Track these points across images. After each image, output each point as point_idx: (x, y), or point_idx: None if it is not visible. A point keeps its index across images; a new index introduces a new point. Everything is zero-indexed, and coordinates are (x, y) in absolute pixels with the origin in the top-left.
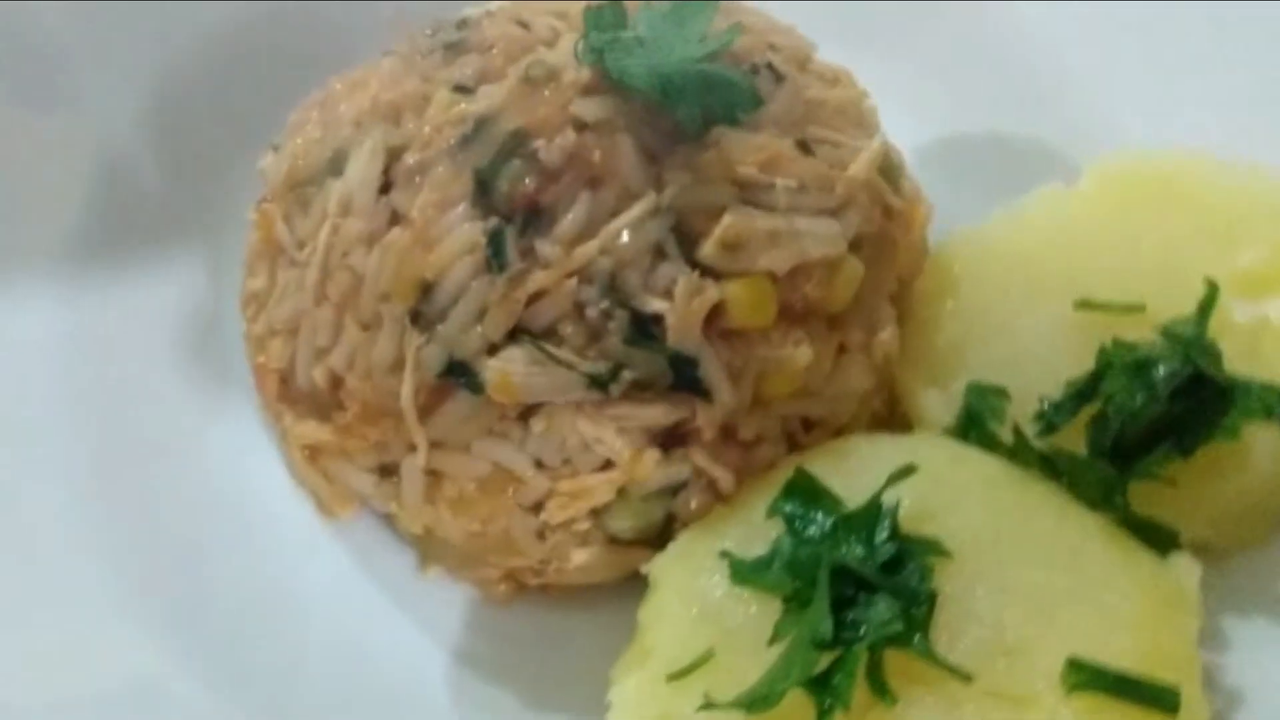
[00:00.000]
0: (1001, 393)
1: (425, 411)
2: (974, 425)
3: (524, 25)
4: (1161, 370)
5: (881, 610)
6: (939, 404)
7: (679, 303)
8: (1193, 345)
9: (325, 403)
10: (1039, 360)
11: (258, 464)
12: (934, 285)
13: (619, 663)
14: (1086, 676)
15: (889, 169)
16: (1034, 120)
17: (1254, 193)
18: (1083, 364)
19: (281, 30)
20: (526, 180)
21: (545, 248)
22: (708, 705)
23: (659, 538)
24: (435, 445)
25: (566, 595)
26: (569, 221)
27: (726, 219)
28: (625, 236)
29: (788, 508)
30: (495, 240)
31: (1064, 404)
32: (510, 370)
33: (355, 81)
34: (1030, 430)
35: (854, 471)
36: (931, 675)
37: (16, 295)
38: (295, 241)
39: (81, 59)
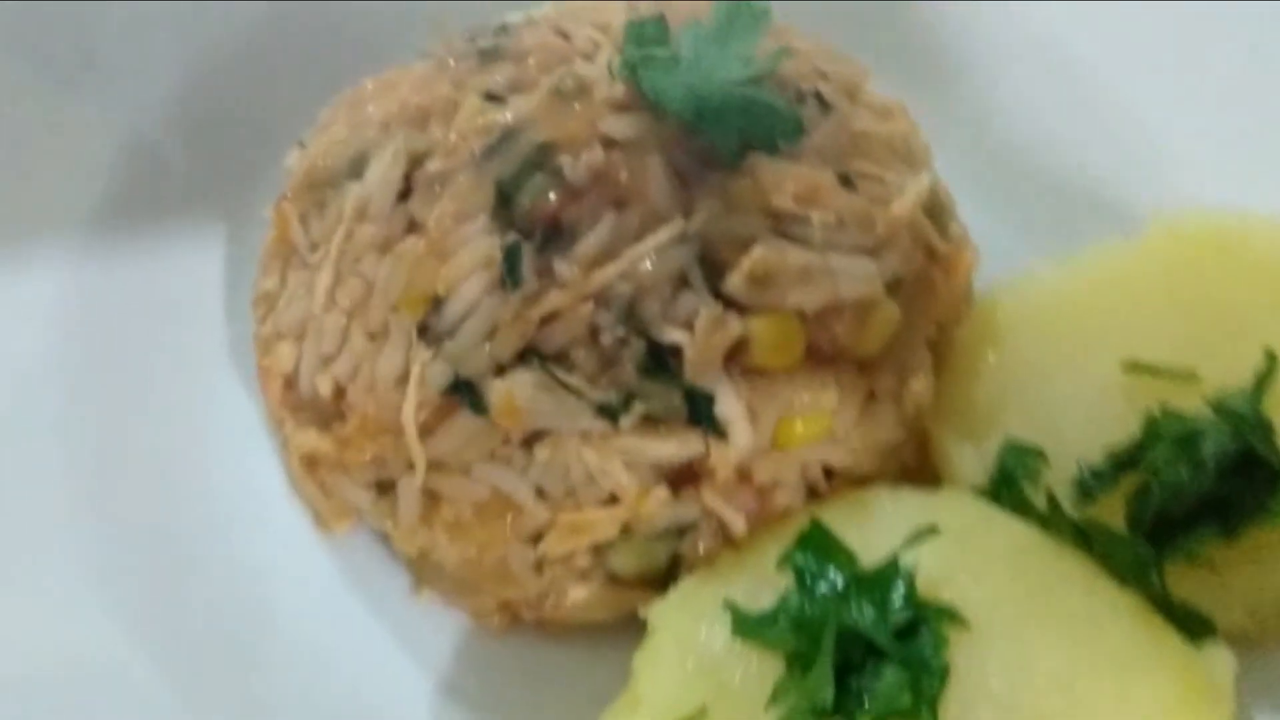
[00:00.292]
0: (1038, 454)
1: (426, 429)
2: (1006, 486)
3: (564, 35)
4: (1210, 444)
5: (889, 680)
6: (971, 460)
7: (699, 335)
8: (1246, 420)
9: (327, 412)
10: (1081, 423)
11: (258, 469)
12: (975, 334)
13: (609, 709)
14: None
15: (936, 209)
16: (1096, 167)
17: None
18: (1127, 430)
19: (324, 26)
20: (549, 196)
21: (563, 268)
22: None
23: (662, 580)
24: (434, 465)
25: (562, 632)
26: (590, 242)
27: (756, 251)
28: (648, 262)
29: (800, 560)
30: (511, 256)
31: (1104, 472)
32: (517, 393)
33: (386, 82)
34: (1066, 497)
35: (874, 526)
36: None
37: (22, 281)
38: (309, 243)
39: (116, 46)
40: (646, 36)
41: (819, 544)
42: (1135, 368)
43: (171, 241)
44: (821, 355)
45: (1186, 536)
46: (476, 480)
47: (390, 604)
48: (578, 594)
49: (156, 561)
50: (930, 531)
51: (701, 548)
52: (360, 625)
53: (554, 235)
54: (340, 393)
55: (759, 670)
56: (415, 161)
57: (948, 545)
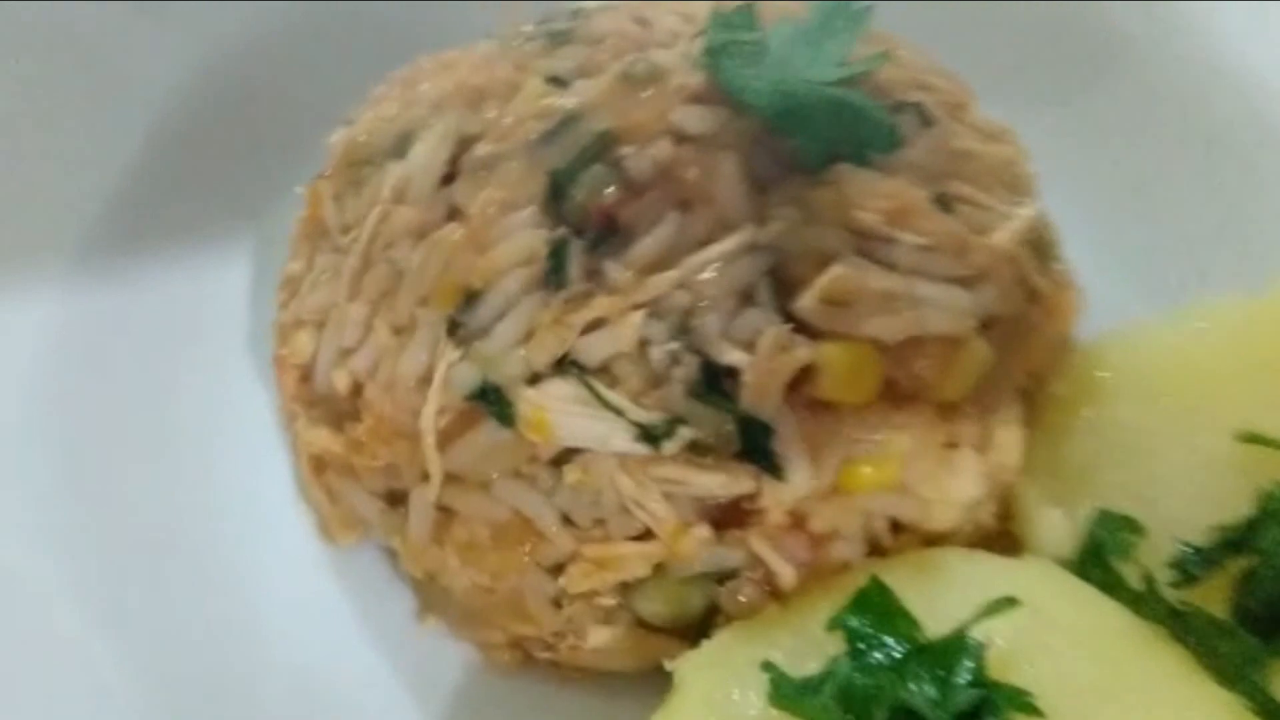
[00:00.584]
0: (1135, 526)
1: (446, 438)
2: (1096, 560)
3: (643, 22)
4: None
5: None
6: (1059, 528)
7: (761, 357)
8: None
9: (342, 410)
10: (1185, 496)
11: (268, 469)
12: (1074, 388)
13: None
14: None
15: (1040, 244)
16: (1221, 214)
17: None
18: (1237, 508)
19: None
20: (607, 190)
21: (615, 270)
22: None
23: (695, 630)
24: (451, 479)
25: (577, 678)
26: (647, 244)
27: (835, 270)
28: (711, 271)
29: (854, 622)
30: (558, 253)
31: (1209, 553)
32: (549, 405)
33: (445, 61)
34: (1163, 577)
35: (942, 592)
36: None
37: (33, 269)
38: (341, 225)
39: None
40: (733, 23)
41: (878, 606)
42: (1251, 438)
43: (198, 230)
44: (898, 393)
45: None
46: (496, 499)
47: (391, 630)
48: (599, 637)
49: (146, 566)
50: (1008, 604)
51: (743, 598)
52: (356, 651)
53: (608, 234)
54: (357, 390)
55: None
56: (465, 144)
57: (1025, 620)
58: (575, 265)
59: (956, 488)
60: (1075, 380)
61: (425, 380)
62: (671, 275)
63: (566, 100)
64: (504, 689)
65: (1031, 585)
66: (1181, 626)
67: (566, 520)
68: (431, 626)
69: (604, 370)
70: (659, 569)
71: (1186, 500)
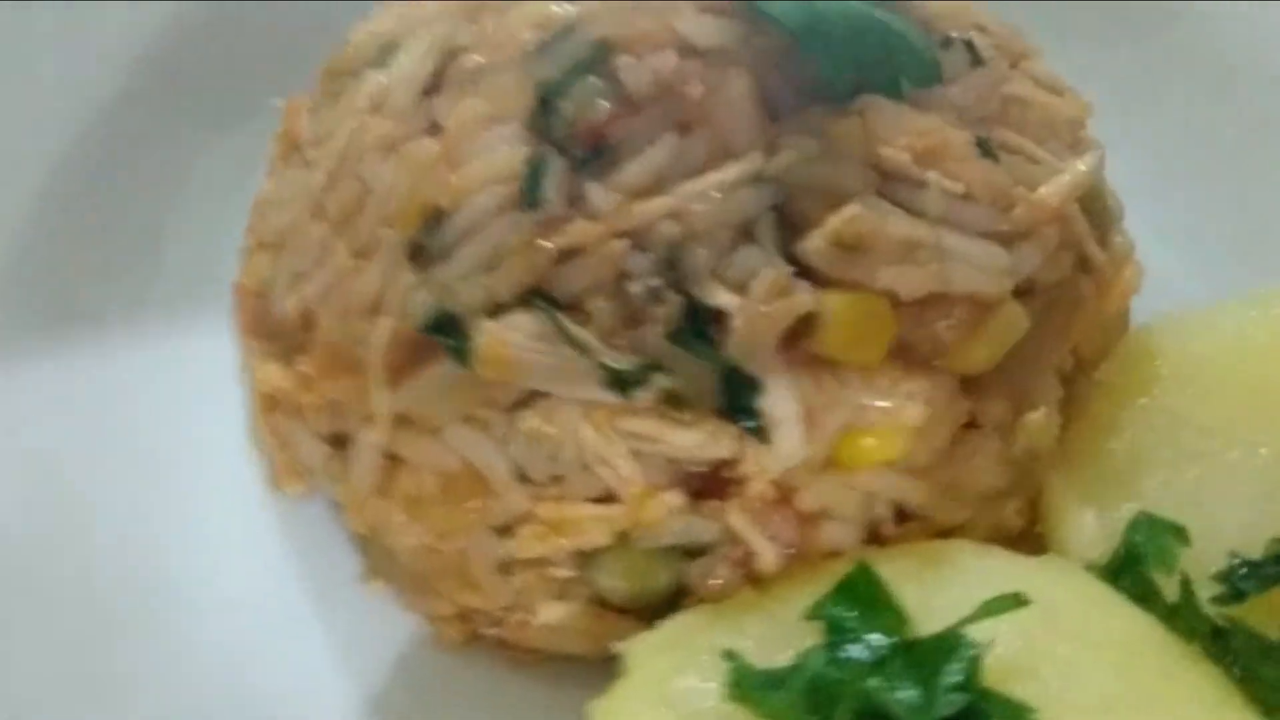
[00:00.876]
0: (1179, 533)
1: (396, 374)
2: (1131, 567)
3: None
4: None
5: None
6: (1092, 529)
7: (754, 301)
8: None
9: (294, 342)
10: (1241, 503)
11: (214, 413)
12: (1123, 374)
13: None
14: None
15: (1097, 209)
16: None
17: None
18: None
19: None
20: (598, 104)
21: (598, 194)
22: None
23: (659, 611)
24: (400, 421)
25: (526, 659)
26: (637, 167)
27: (849, 210)
28: (706, 202)
29: (834, 611)
30: (535, 170)
31: (1262, 567)
32: (509, 339)
33: None
34: (1205, 591)
35: (940, 586)
36: None
37: None
38: (314, 138)
39: None
40: None
41: (864, 595)
42: None
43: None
44: (913, 357)
45: None
46: (446, 446)
47: (333, 593)
48: (550, 613)
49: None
50: (1015, 602)
51: (715, 579)
52: (294, 614)
53: (596, 154)
54: (310, 319)
55: None
56: (453, 55)
57: (1034, 622)
58: (554, 186)
59: (974, 473)
60: (1124, 366)
61: (378, 308)
62: (661, 203)
63: (566, 8)
64: (444, 667)
65: (1046, 585)
66: (1222, 646)
67: (520, 475)
68: (377, 592)
69: (576, 305)
70: (621, 538)
71: (1242, 509)
